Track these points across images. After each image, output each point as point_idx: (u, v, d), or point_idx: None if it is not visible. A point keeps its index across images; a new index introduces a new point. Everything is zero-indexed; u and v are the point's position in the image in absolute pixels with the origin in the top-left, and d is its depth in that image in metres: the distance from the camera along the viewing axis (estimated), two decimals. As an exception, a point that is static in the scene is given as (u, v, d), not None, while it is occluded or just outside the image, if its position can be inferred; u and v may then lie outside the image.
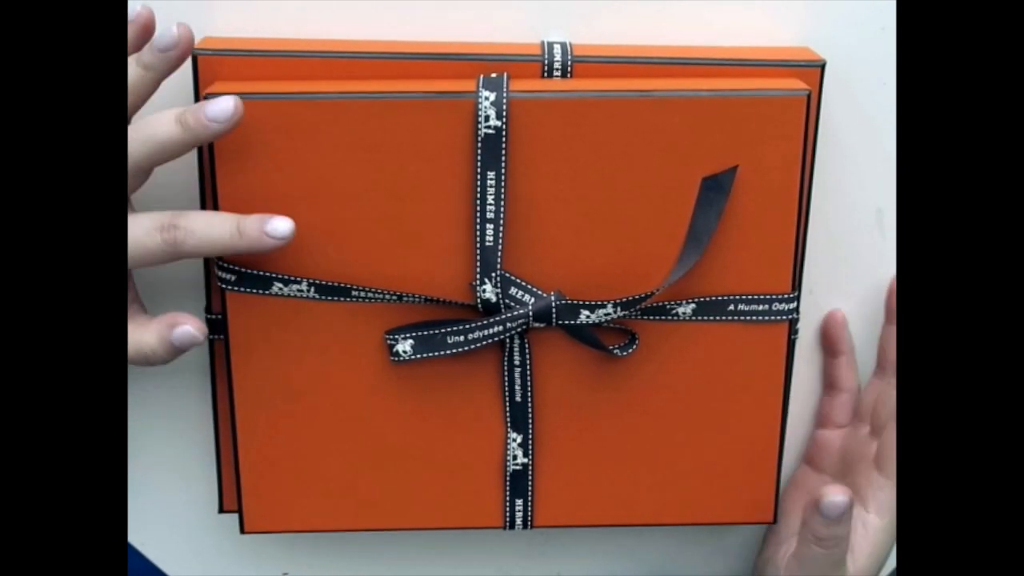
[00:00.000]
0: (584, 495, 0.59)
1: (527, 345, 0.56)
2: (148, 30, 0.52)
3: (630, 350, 0.56)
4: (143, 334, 0.53)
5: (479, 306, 0.54)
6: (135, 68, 0.51)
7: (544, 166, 0.53)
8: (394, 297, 0.55)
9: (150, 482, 0.64)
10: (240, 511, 0.59)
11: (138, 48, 0.52)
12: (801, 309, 0.59)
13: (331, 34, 0.56)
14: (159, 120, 0.50)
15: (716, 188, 0.53)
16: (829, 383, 0.63)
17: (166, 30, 0.51)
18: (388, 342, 0.55)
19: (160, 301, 0.59)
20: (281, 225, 0.51)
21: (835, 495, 0.55)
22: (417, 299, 0.54)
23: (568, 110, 0.52)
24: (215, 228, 0.51)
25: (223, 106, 0.50)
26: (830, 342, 0.62)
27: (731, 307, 0.56)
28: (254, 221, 0.51)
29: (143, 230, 0.51)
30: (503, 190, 0.53)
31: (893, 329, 0.60)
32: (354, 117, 0.52)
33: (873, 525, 0.58)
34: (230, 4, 0.56)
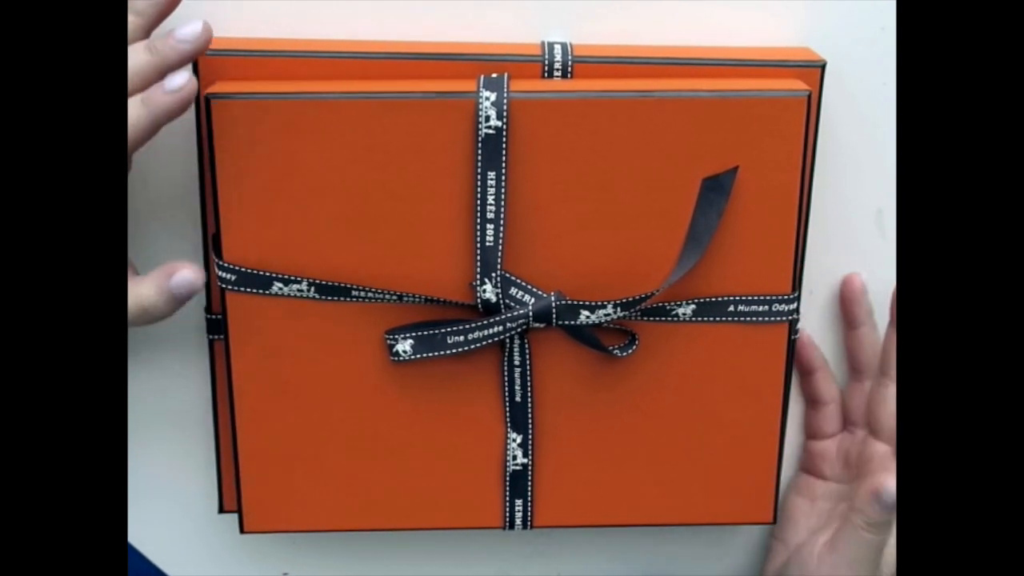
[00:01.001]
0: (584, 495, 0.59)
1: (527, 345, 0.56)
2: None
3: (630, 351, 0.56)
4: (140, 287, 0.52)
5: (479, 306, 0.54)
6: (145, 55, 0.51)
7: (544, 166, 0.53)
8: (394, 297, 0.55)
9: (150, 482, 0.64)
10: (240, 511, 0.59)
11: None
12: (801, 310, 0.59)
13: (332, 34, 0.56)
14: (131, 50, 0.51)
15: (716, 188, 0.53)
16: (812, 399, 0.63)
17: (191, 24, 0.51)
18: (388, 342, 0.55)
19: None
20: (175, 79, 0.50)
21: (890, 483, 0.57)
22: (417, 299, 0.54)
23: (568, 110, 0.52)
24: (132, 59, 0.50)
25: (192, 27, 0.50)
26: (804, 362, 0.62)
27: (731, 308, 0.56)
28: (156, 86, 0.50)
29: None
30: (503, 190, 0.53)
31: (858, 333, 0.61)
32: (354, 117, 0.52)
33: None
34: (231, 4, 0.56)
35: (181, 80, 0.50)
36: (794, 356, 0.61)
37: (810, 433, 0.64)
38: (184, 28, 0.50)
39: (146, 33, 0.52)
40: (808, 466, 0.64)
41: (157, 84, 0.50)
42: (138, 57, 0.51)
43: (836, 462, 0.63)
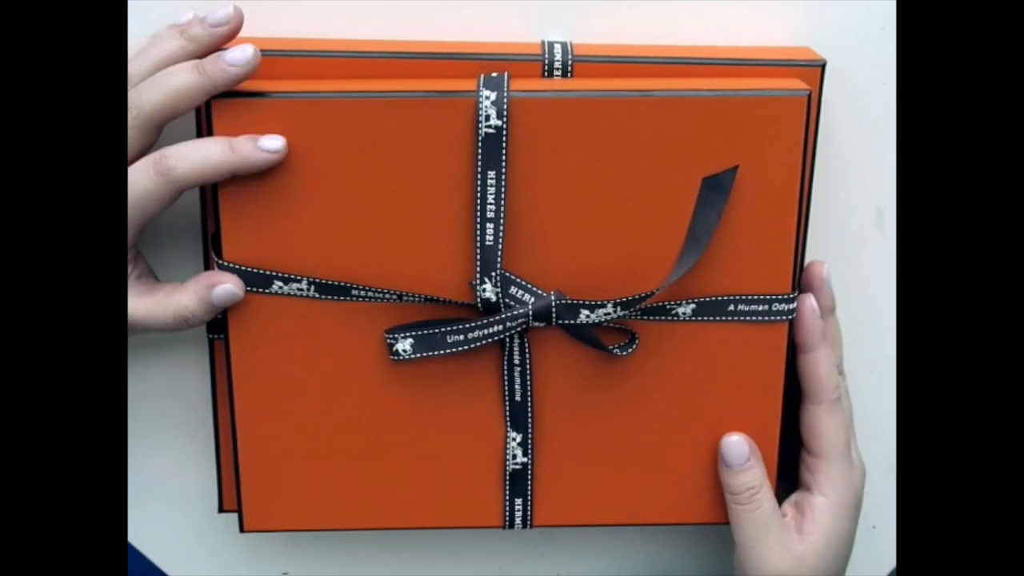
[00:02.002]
0: (583, 494, 0.59)
1: (527, 344, 0.56)
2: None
3: (630, 350, 0.56)
4: (180, 297, 0.54)
5: (479, 305, 0.54)
6: (181, 41, 0.52)
7: (544, 165, 0.53)
8: (394, 296, 0.55)
9: (150, 482, 0.64)
10: (240, 510, 0.59)
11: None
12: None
13: (331, 34, 0.56)
14: (175, 69, 0.51)
15: (716, 188, 0.53)
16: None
17: (221, 8, 0.52)
18: (388, 341, 0.55)
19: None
20: (272, 141, 0.51)
21: (730, 437, 0.57)
22: (417, 298, 0.54)
23: (568, 110, 0.52)
24: (205, 148, 0.51)
25: (243, 51, 0.51)
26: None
27: (731, 307, 0.56)
28: (246, 138, 0.52)
29: (138, 171, 0.52)
30: (503, 189, 0.53)
31: (809, 358, 0.58)
32: (354, 116, 0.52)
33: (819, 506, 0.58)
34: (231, 4, 0.56)
35: (279, 143, 0.52)
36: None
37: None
38: (234, 52, 0.51)
39: (191, 58, 0.52)
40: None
41: (248, 137, 0.52)
42: (186, 76, 0.51)
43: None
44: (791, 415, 0.58)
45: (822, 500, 0.58)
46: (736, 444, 0.57)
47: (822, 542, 0.57)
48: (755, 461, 0.57)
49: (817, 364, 0.57)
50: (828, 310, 0.58)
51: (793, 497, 0.59)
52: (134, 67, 0.53)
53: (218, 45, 0.52)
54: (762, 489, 0.57)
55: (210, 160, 0.51)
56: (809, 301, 0.56)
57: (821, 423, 0.57)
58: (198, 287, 0.54)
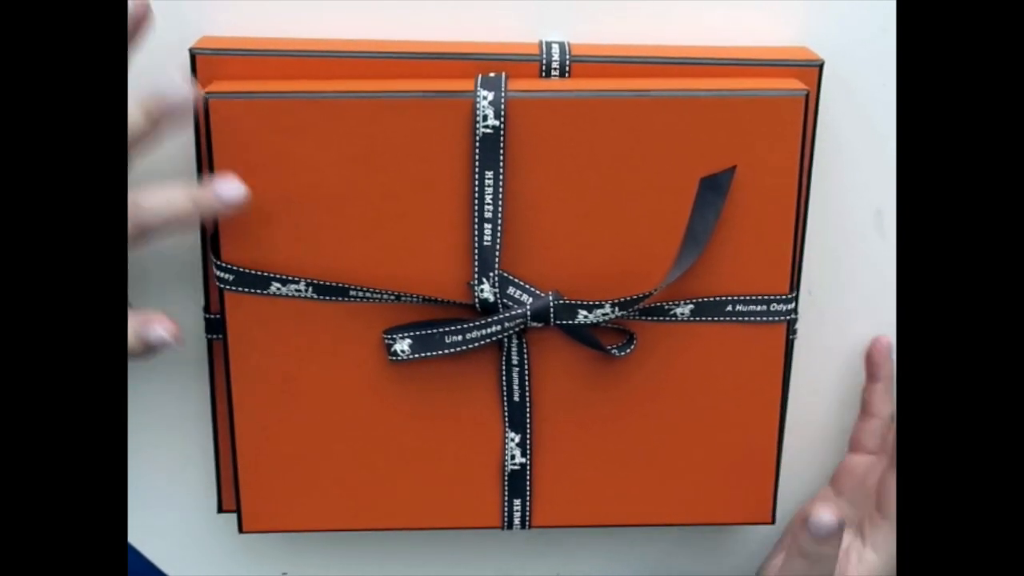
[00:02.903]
0: (582, 495, 0.59)
1: (525, 345, 0.56)
2: (141, 23, 0.51)
3: (628, 350, 0.56)
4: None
5: (477, 306, 0.54)
6: (184, 201, 0.51)
7: (542, 166, 0.53)
8: (392, 297, 0.55)
9: (150, 482, 0.64)
10: (239, 511, 0.59)
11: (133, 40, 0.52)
12: (800, 310, 0.59)
13: (329, 33, 0.56)
14: (174, 195, 0.51)
15: (714, 188, 0.53)
16: (864, 408, 0.62)
17: (230, 183, 0.52)
18: (386, 341, 0.55)
19: (158, 301, 0.59)
20: (233, 193, 0.51)
21: (823, 514, 0.54)
22: (415, 299, 0.54)
23: (566, 110, 0.52)
24: (174, 203, 0.51)
25: (236, 189, 0.51)
26: (871, 366, 0.61)
27: (729, 308, 0.55)
28: (206, 189, 0.51)
29: None
30: (501, 190, 0.53)
31: (877, 386, 0.59)
32: (352, 116, 0.52)
33: (869, 560, 0.58)
34: (229, 3, 0.56)
35: (237, 193, 0.51)
36: (866, 357, 0.61)
37: (851, 445, 0.62)
38: (229, 187, 0.51)
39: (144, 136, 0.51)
40: (834, 479, 0.63)
41: (208, 187, 0.51)
42: (177, 199, 0.50)
43: (856, 483, 0.61)
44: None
45: (872, 556, 0.58)
46: (827, 524, 0.54)
47: None
48: (839, 534, 0.55)
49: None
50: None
51: (846, 541, 0.58)
52: (139, 199, 0.51)
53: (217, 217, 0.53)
54: (834, 557, 0.56)
55: (177, 215, 0.51)
56: (887, 342, 0.59)
57: (892, 481, 0.57)
58: (135, 322, 0.51)
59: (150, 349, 0.52)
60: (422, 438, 0.57)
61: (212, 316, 0.57)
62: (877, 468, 0.61)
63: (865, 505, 0.61)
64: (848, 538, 0.60)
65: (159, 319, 0.52)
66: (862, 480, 0.61)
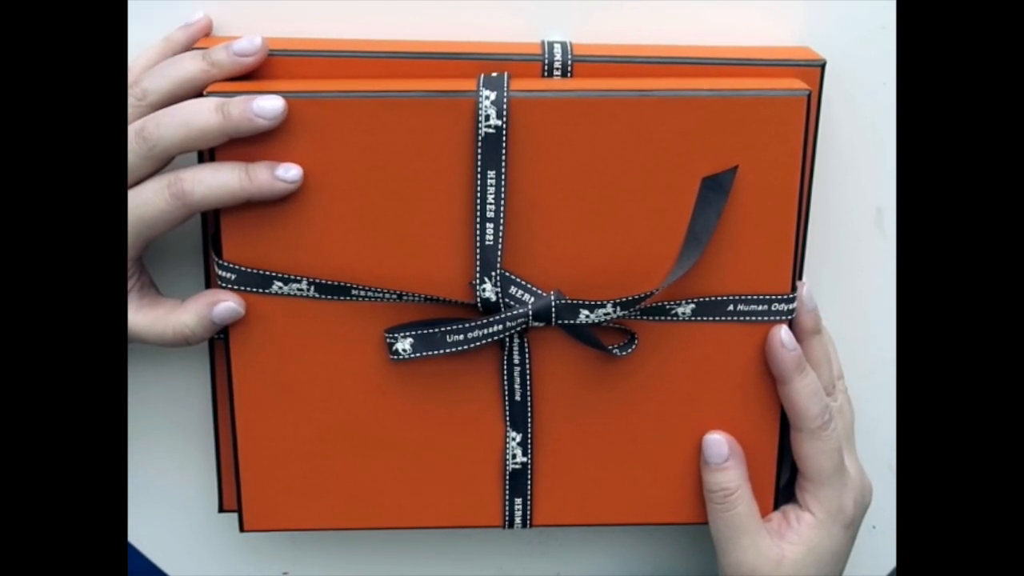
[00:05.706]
0: (583, 494, 0.59)
1: (527, 344, 0.56)
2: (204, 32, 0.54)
3: (629, 350, 0.56)
4: (180, 315, 0.54)
5: (479, 305, 0.54)
6: (202, 64, 0.52)
7: (544, 165, 0.53)
8: (394, 296, 0.55)
9: (150, 482, 0.64)
10: (240, 510, 0.59)
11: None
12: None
13: (331, 33, 0.56)
14: (198, 107, 0.51)
15: (716, 188, 0.53)
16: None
17: (248, 38, 0.52)
18: (388, 341, 0.55)
19: (160, 300, 0.59)
20: (289, 171, 0.52)
21: (712, 433, 0.57)
22: (417, 298, 0.54)
23: (568, 109, 0.52)
24: (222, 174, 0.52)
25: (273, 104, 0.51)
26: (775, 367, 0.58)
27: (730, 307, 0.56)
28: (263, 166, 0.52)
29: (151, 191, 0.52)
30: (503, 189, 0.53)
31: (785, 389, 0.57)
32: (354, 116, 0.52)
33: (804, 519, 0.58)
34: (230, 4, 0.56)
35: (295, 173, 0.52)
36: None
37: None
38: (263, 101, 0.51)
39: (210, 82, 0.52)
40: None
41: (265, 165, 0.52)
42: (210, 117, 0.51)
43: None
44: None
45: (808, 516, 0.58)
46: (716, 443, 0.57)
47: (803, 552, 0.57)
48: (734, 463, 0.57)
49: (794, 395, 0.56)
50: (810, 332, 0.56)
51: (785, 506, 0.59)
52: (150, 84, 0.52)
53: (240, 74, 0.53)
54: (737, 491, 0.57)
55: (227, 188, 0.52)
56: (778, 335, 0.55)
57: (803, 448, 0.57)
58: (198, 305, 0.54)
59: (217, 328, 0.55)
60: (423, 437, 0.57)
61: (213, 315, 0.57)
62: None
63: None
64: (787, 506, 0.59)
65: (220, 294, 0.54)
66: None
